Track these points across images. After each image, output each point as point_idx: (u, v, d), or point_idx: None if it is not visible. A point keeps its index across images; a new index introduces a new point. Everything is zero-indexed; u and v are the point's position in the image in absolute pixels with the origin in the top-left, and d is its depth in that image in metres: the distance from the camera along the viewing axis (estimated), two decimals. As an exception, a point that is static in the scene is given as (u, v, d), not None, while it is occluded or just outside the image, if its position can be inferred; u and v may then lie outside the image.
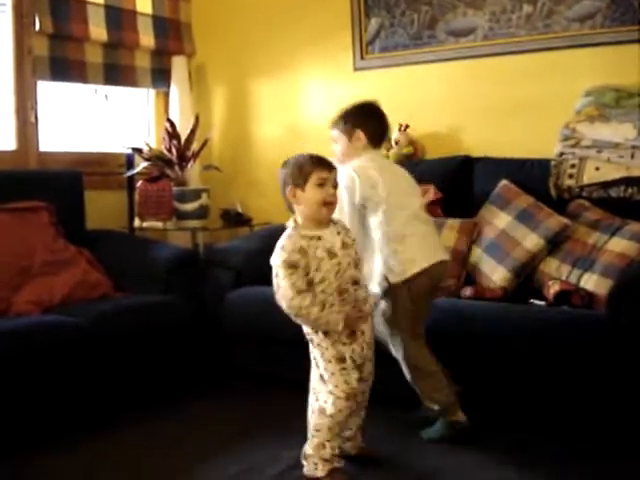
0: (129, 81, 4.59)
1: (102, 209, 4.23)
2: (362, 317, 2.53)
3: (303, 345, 2.60)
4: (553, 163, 3.49)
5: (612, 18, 3.62)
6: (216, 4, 4.87)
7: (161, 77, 4.75)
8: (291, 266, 2.41)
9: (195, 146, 4.41)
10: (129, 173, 4.32)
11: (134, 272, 3.69)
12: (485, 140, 3.96)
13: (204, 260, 3.88)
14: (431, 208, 3.71)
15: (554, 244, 3.30)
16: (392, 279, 2.84)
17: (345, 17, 4.38)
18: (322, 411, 2.50)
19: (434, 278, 2.89)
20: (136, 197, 4.28)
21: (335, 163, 2.62)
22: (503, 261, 3.35)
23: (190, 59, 4.89)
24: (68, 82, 4.31)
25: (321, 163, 2.50)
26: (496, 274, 3.35)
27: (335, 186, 2.51)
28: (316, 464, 2.51)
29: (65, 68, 4.22)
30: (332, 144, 3.05)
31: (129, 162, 4.35)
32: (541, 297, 3.18)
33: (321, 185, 2.46)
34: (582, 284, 3.13)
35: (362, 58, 4.37)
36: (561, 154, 3.48)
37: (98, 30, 4.31)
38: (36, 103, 4.11)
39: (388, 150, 4.14)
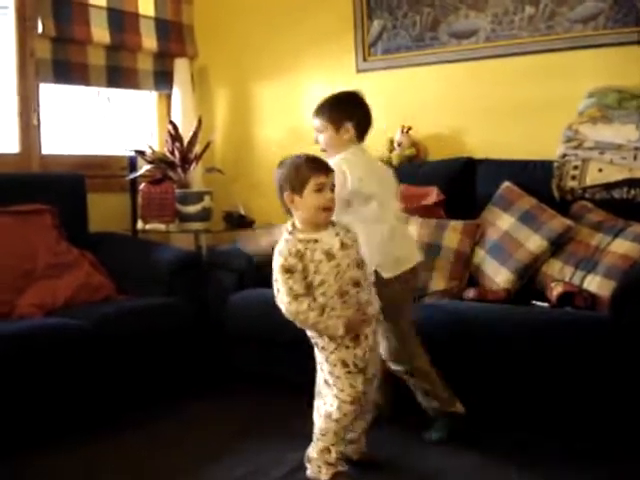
0: (131, 83, 4.60)
1: (105, 212, 4.23)
2: (366, 321, 2.51)
3: (304, 347, 2.59)
4: (556, 165, 3.49)
5: (615, 19, 3.61)
6: (218, 6, 4.87)
7: (163, 79, 4.76)
8: (288, 270, 2.40)
9: (197, 148, 4.41)
10: (132, 176, 4.33)
11: (137, 274, 3.69)
12: (488, 142, 3.96)
13: (207, 262, 3.88)
14: (434, 210, 3.71)
15: (557, 246, 3.30)
16: (385, 274, 2.81)
17: (347, 19, 4.38)
18: (328, 415, 2.49)
19: (417, 277, 2.93)
20: (139, 199, 4.28)
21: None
22: (506, 263, 3.34)
23: (192, 61, 4.89)
24: (71, 85, 4.32)
25: (318, 168, 2.46)
26: (499, 276, 3.35)
27: (333, 189, 2.48)
28: (320, 467, 2.51)
29: (68, 71, 4.22)
30: (314, 133, 2.97)
31: (132, 165, 4.35)
32: (544, 299, 3.18)
33: (319, 190, 2.43)
34: (585, 286, 3.13)
35: (364, 60, 4.37)
36: (564, 155, 3.48)
37: (101, 33, 4.32)
38: (38, 106, 4.11)
39: (390, 152, 4.14)
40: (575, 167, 3.42)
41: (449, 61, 4.11)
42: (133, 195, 4.36)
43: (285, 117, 4.66)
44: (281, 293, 2.43)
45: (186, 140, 4.36)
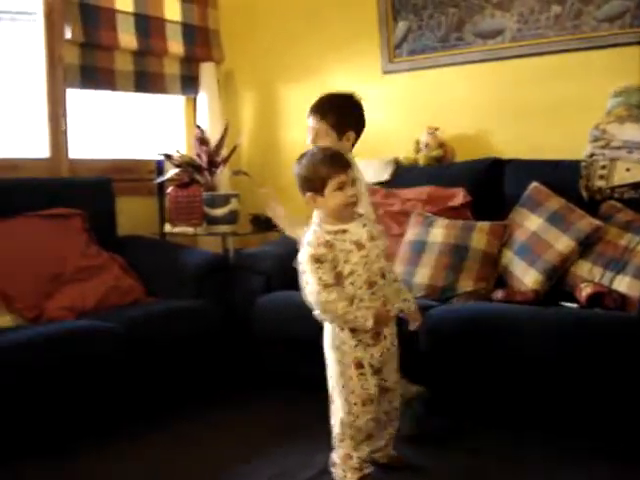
0: (159, 88, 4.63)
1: (133, 215, 4.27)
2: (391, 315, 2.51)
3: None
4: (583, 164, 3.47)
5: (641, 18, 3.59)
6: (244, 11, 4.89)
7: (190, 84, 4.78)
8: (317, 260, 2.39)
9: (224, 152, 4.43)
10: (160, 179, 4.36)
11: (165, 277, 3.72)
12: (515, 142, 3.94)
13: (234, 265, 3.90)
14: (461, 211, 3.71)
15: (586, 246, 3.27)
16: None
17: (372, 21, 4.38)
18: (341, 421, 2.48)
19: None
20: (167, 203, 4.31)
21: None
22: (534, 264, 3.32)
23: (219, 65, 4.91)
24: (98, 90, 4.36)
25: (337, 166, 2.44)
26: (527, 277, 3.33)
27: (354, 183, 2.47)
28: (344, 471, 2.49)
29: (95, 76, 4.26)
30: (310, 133, 2.96)
31: (159, 168, 4.38)
32: (573, 300, 3.15)
33: (341, 189, 2.43)
34: (614, 286, 3.10)
35: (390, 61, 4.37)
36: (591, 155, 3.46)
37: (128, 38, 4.35)
38: (67, 111, 4.15)
39: (417, 153, 4.14)
40: (603, 167, 3.40)
41: (475, 61, 4.09)
42: (161, 198, 4.39)
43: (311, 119, 4.67)
44: (310, 284, 2.41)
45: (213, 143, 4.38)
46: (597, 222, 3.28)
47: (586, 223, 3.29)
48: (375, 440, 2.58)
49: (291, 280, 2.98)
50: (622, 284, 3.08)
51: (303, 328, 3.05)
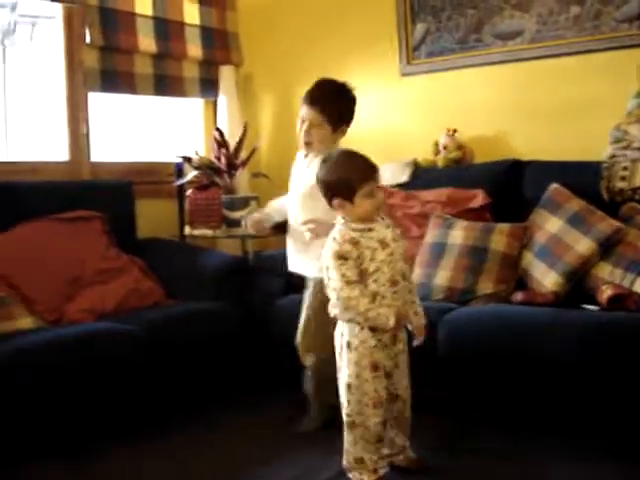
0: (178, 91, 4.65)
1: (153, 218, 4.28)
2: (408, 317, 2.52)
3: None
4: (604, 165, 3.45)
5: (662, 18, 3.57)
6: (262, 13, 4.90)
7: (209, 87, 4.80)
8: (341, 257, 2.39)
9: (243, 154, 4.44)
10: (179, 182, 4.37)
11: (184, 280, 3.73)
12: (534, 143, 3.93)
13: (253, 267, 3.91)
14: (480, 213, 3.69)
15: (606, 248, 3.25)
16: None
17: (390, 23, 4.38)
18: (351, 424, 2.48)
19: None
20: (186, 205, 4.32)
21: (303, 147, 2.81)
22: (555, 265, 3.30)
23: (238, 68, 4.92)
24: (118, 93, 4.38)
25: (368, 174, 2.45)
26: (547, 279, 3.31)
27: (380, 187, 2.50)
28: (361, 474, 2.49)
29: (115, 79, 4.28)
30: (301, 122, 2.98)
31: (179, 171, 4.39)
32: (594, 302, 3.13)
33: (369, 195, 2.43)
34: (635, 288, 3.08)
35: (409, 63, 4.36)
36: (612, 156, 3.44)
37: (147, 41, 4.37)
38: (87, 114, 4.18)
39: (436, 155, 4.13)
40: (624, 168, 3.38)
41: (494, 62, 4.08)
42: (180, 201, 4.40)
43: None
44: (332, 280, 2.41)
45: (232, 146, 4.39)
46: (618, 224, 3.26)
47: (607, 225, 3.27)
48: (385, 444, 2.56)
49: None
50: (643, 286, 3.07)
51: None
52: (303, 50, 4.73)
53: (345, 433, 2.51)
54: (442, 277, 3.44)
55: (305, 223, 3.02)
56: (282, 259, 3.72)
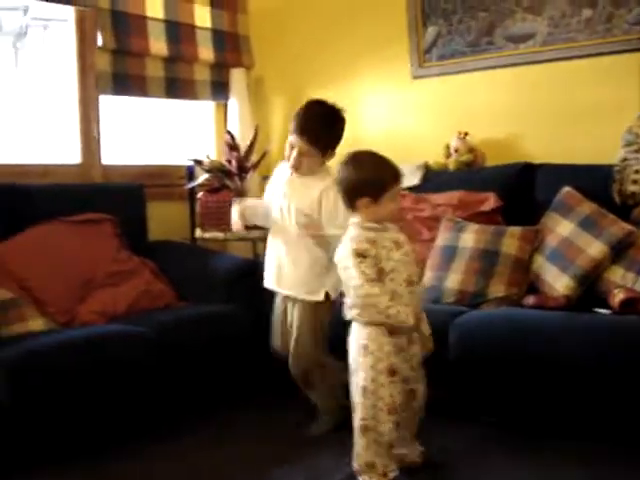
0: (189, 94, 4.66)
1: (164, 220, 4.29)
2: (422, 320, 2.53)
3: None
4: (616, 169, 3.43)
5: (674, 21, 3.56)
6: (273, 16, 4.91)
7: (220, 90, 4.81)
8: (360, 255, 2.40)
9: (254, 157, 4.43)
10: (190, 185, 4.38)
11: (196, 282, 3.74)
12: (546, 146, 3.92)
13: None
14: (491, 216, 3.69)
15: (618, 251, 3.24)
16: (334, 294, 2.99)
17: (402, 26, 4.38)
18: (364, 428, 2.47)
19: None
20: (197, 208, 4.32)
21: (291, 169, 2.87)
22: (566, 269, 3.29)
23: (249, 71, 4.93)
24: (130, 96, 4.39)
25: (396, 176, 2.49)
26: (559, 282, 3.30)
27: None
28: (371, 477, 2.48)
29: (127, 82, 4.29)
30: (290, 148, 3.00)
31: (190, 174, 4.40)
32: (605, 305, 3.12)
33: (394, 199, 2.48)
34: (648, 292, 3.07)
35: (420, 66, 4.36)
36: (624, 159, 3.42)
37: (158, 45, 4.38)
38: (99, 117, 4.19)
39: (447, 158, 4.12)
40: (636, 171, 3.36)
41: (505, 65, 4.08)
42: (191, 204, 4.41)
43: (340, 125, 4.67)
44: (352, 278, 2.42)
45: (243, 149, 4.39)
46: (630, 227, 3.25)
47: (618, 228, 3.26)
48: (396, 448, 2.56)
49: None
50: (656, 290, 3.05)
51: (333, 332, 3.07)
52: (314, 53, 4.73)
53: (356, 436, 2.50)
54: (453, 280, 3.43)
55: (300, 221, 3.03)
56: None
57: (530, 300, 3.27)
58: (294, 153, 2.99)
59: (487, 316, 3.15)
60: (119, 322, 3.26)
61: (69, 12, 4.08)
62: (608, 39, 3.74)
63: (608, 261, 3.24)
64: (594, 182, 3.51)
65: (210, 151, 4.72)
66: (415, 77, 4.39)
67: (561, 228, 3.42)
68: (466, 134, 4.09)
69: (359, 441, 2.50)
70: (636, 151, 3.39)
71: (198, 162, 4.36)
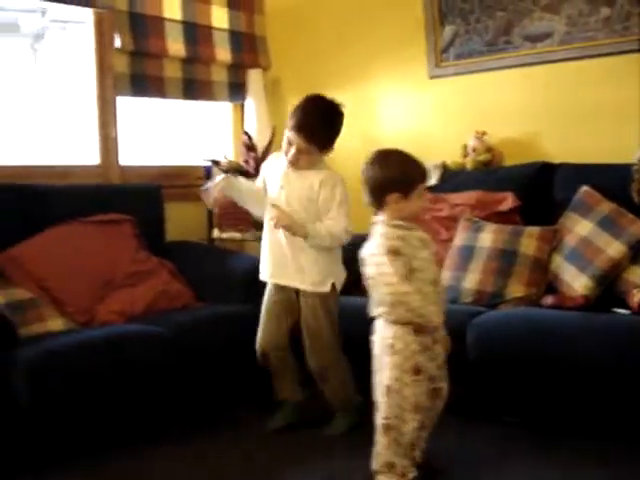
0: (207, 95, 4.67)
1: (182, 221, 4.31)
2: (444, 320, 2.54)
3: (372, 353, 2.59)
4: (635, 168, 3.41)
5: (694, 18, 3.53)
6: (290, 17, 4.91)
7: (238, 90, 4.82)
8: (395, 252, 2.41)
9: (271, 157, 4.45)
10: (208, 185, 4.38)
11: (213, 282, 3.75)
12: (564, 145, 3.90)
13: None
14: (509, 216, 3.67)
15: (637, 251, 3.22)
16: (339, 286, 3.05)
17: (419, 26, 4.36)
18: (387, 427, 2.46)
19: None
20: (215, 209, 4.34)
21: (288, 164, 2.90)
22: (585, 269, 3.27)
23: (266, 72, 4.93)
24: (147, 97, 4.41)
25: (424, 173, 2.53)
26: (578, 282, 3.28)
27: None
28: (390, 478, 2.48)
29: (145, 84, 4.31)
30: (287, 144, 3.02)
31: (208, 174, 4.41)
32: (624, 305, 3.11)
33: (422, 194, 2.51)
34: (667, 292, 3.05)
35: (437, 66, 4.35)
36: (643, 159, 3.40)
37: (176, 46, 4.40)
38: (117, 118, 4.21)
39: (464, 157, 4.11)
40: (656, 171, 3.35)
41: (523, 65, 4.05)
42: (209, 204, 4.41)
43: (358, 125, 4.65)
44: (386, 275, 2.41)
45: (260, 149, 4.41)
46: (649, 227, 3.23)
47: (637, 228, 3.24)
48: (417, 449, 2.55)
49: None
50: (675, 290, 3.03)
51: (346, 333, 3.07)
52: (330, 53, 4.73)
53: (378, 436, 2.50)
54: (471, 280, 3.43)
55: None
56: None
57: (548, 300, 3.26)
58: (292, 150, 2.99)
59: (505, 316, 3.14)
60: (137, 322, 3.28)
61: (87, 14, 4.10)
62: (626, 38, 3.72)
63: (627, 261, 3.22)
64: (613, 181, 3.49)
65: (228, 152, 4.74)
66: (432, 77, 4.38)
67: (580, 228, 3.41)
68: (484, 133, 4.08)
69: (380, 440, 2.49)
70: (655, 150, 3.37)
71: (216, 163, 4.38)
